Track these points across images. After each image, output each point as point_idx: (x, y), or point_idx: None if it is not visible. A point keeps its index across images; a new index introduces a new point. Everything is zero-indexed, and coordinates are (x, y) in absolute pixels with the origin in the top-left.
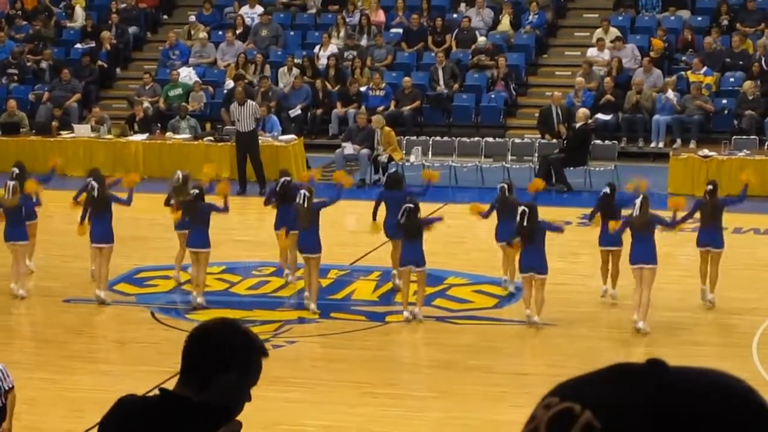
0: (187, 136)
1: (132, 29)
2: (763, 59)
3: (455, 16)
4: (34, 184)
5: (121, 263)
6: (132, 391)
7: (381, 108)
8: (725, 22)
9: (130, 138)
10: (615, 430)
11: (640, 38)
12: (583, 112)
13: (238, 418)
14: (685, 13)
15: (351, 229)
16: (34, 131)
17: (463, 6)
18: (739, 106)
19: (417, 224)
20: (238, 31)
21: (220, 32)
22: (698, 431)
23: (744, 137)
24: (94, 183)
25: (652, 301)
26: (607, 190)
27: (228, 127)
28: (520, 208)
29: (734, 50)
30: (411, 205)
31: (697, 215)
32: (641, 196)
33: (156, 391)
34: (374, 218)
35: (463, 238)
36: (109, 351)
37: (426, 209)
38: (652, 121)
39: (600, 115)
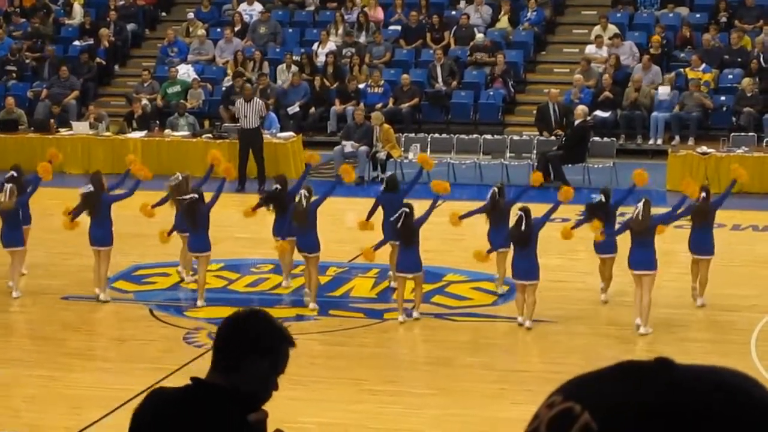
0: (186, 133)
1: (130, 26)
2: (762, 56)
3: (454, 13)
4: (47, 167)
5: (119, 260)
6: (130, 387)
7: (379, 105)
8: (724, 19)
9: (129, 135)
10: (614, 431)
11: (638, 35)
12: (581, 109)
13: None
14: (683, 10)
15: (349, 227)
16: (32, 128)
17: (461, 3)
18: (738, 103)
19: (413, 229)
20: (236, 28)
21: (219, 29)
22: (707, 429)
23: (742, 134)
24: (92, 187)
25: (651, 298)
26: (602, 197)
27: (227, 124)
28: (517, 213)
29: (733, 47)
30: (407, 209)
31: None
32: (643, 200)
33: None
34: (368, 218)
35: (461, 235)
36: (108, 348)
37: (424, 206)
38: (650, 118)
39: (598, 112)
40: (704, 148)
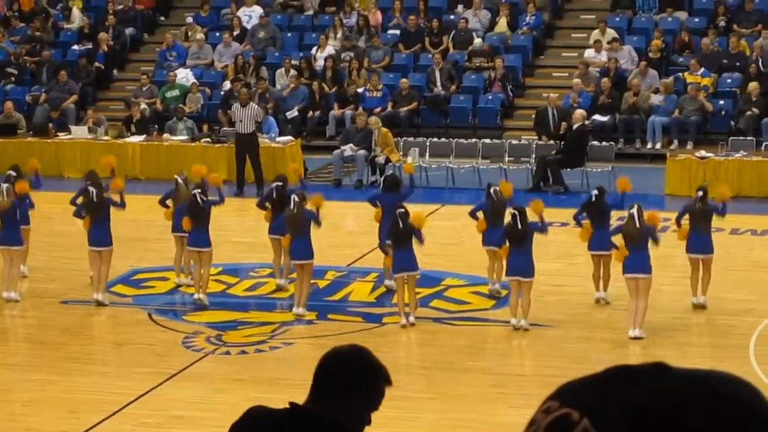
0: (185, 137)
1: (129, 31)
2: (760, 60)
3: (452, 17)
4: (24, 186)
5: (118, 265)
6: (128, 392)
7: (378, 109)
8: (722, 24)
9: (127, 139)
10: None
11: (637, 39)
12: (580, 113)
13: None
14: (682, 15)
15: (348, 231)
16: (31, 133)
17: (460, 7)
18: (743, 106)
19: (408, 230)
20: (235, 33)
21: (217, 33)
22: None
23: (741, 138)
24: (91, 187)
25: (648, 302)
26: (596, 192)
27: (225, 128)
28: (511, 212)
29: (731, 51)
30: (402, 210)
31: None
32: (635, 207)
33: (283, 405)
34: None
35: (460, 240)
36: (106, 352)
37: (423, 211)
38: (648, 122)
39: (597, 117)
40: (703, 153)
